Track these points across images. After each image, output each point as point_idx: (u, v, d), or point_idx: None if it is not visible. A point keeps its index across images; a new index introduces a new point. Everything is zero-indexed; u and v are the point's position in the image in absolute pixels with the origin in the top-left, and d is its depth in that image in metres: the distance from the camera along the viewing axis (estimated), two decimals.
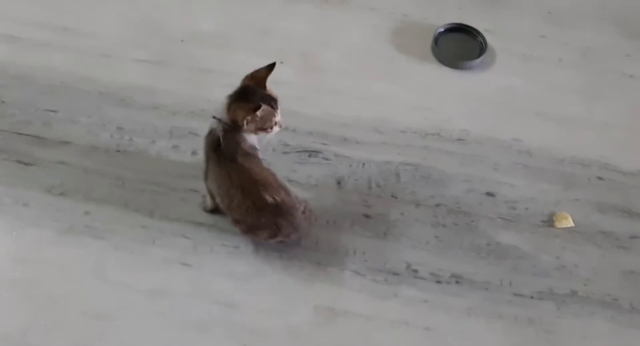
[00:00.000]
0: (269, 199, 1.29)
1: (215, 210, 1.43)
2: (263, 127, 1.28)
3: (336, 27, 1.87)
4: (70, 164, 1.52)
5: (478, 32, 1.85)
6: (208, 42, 1.80)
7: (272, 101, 1.28)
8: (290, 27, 1.85)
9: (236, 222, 1.36)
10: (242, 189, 1.30)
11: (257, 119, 1.26)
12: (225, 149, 1.28)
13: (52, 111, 1.62)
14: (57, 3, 1.85)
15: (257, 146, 1.34)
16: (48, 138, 1.57)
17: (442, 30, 1.85)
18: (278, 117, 1.29)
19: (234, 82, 1.70)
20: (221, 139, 1.28)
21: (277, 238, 1.36)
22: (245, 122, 1.25)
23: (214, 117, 1.30)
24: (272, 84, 1.31)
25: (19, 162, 1.52)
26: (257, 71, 1.30)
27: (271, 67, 1.30)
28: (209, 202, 1.43)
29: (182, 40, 1.79)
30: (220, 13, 1.87)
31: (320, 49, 1.81)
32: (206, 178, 1.37)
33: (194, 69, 1.73)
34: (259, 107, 1.24)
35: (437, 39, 1.83)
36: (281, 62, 1.75)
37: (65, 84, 1.67)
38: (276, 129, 1.31)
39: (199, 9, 1.87)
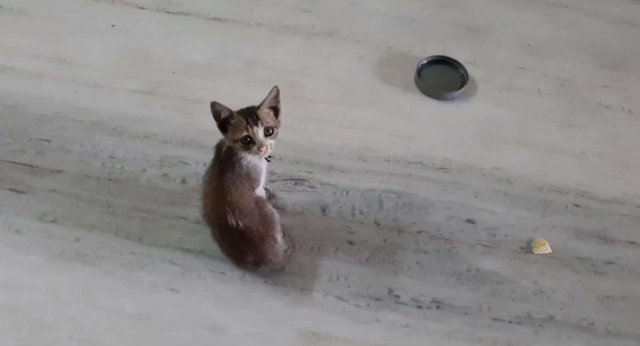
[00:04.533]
0: (231, 221, 1.33)
1: None
2: (234, 138, 1.27)
3: (323, 58, 1.93)
4: (62, 192, 1.56)
5: (460, 64, 1.91)
6: (198, 73, 1.85)
7: (249, 115, 1.27)
8: (279, 58, 1.91)
9: (212, 228, 1.41)
10: (213, 202, 1.36)
11: (230, 126, 1.28)
12: (222, 159, 1.34)
13: (46, 140, 1.66)
14: (51, 34, 1.91)
15: (256, 177, 1.35)
16: (41, 167, 1.61)
17: (425, 62, 1.92)
18: (253, 134, 1.26)
19: None
20: (223, 150, 1.34)
21: (242, 262, 1.42)
22: (218, 125, 1.28)
23: None
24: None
25: (12, 190, 1.56)
26: None
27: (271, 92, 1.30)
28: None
29: (173, 72, 1.85)
30: (210, 45, 1.93)
31: (307, 80, 1.86)
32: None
33: (184, 99, 1.78)
34: (222, 108, 1.27)
35: (420, 71, 1.89)
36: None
37: (58, 113, 1.72)
38: (254, 149, 1.27)
39: (190, 41, 1.93)
